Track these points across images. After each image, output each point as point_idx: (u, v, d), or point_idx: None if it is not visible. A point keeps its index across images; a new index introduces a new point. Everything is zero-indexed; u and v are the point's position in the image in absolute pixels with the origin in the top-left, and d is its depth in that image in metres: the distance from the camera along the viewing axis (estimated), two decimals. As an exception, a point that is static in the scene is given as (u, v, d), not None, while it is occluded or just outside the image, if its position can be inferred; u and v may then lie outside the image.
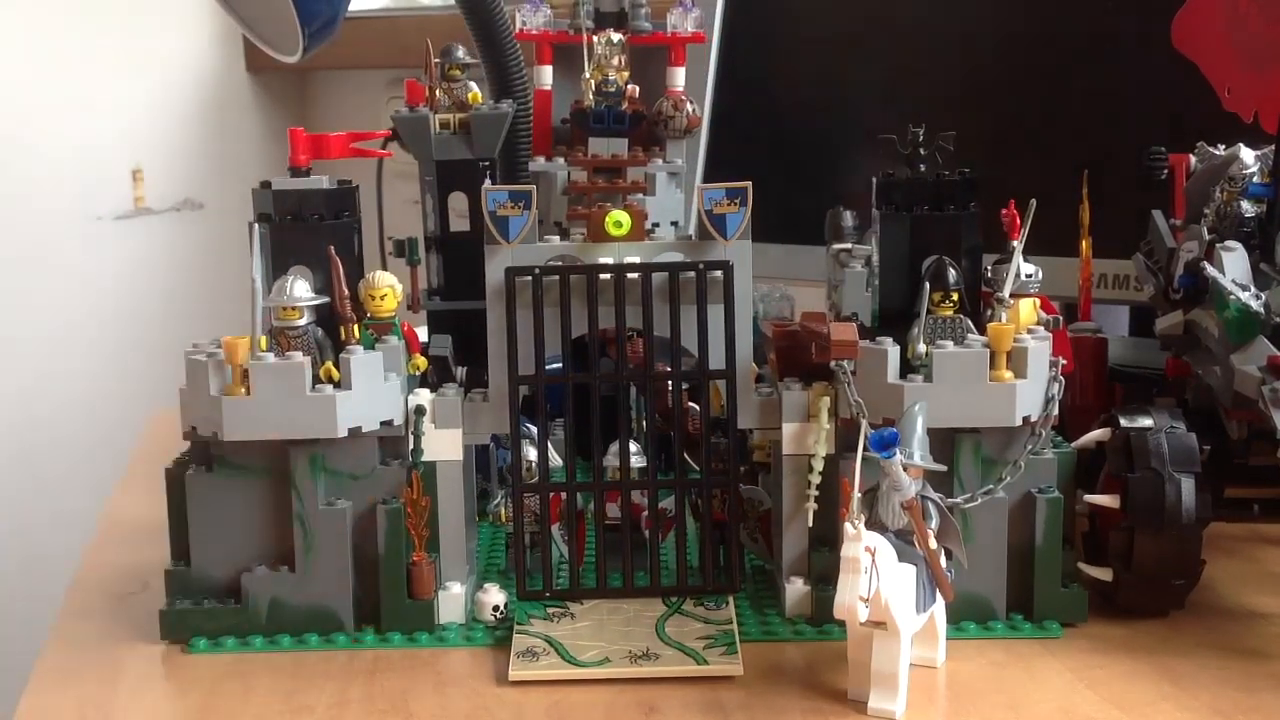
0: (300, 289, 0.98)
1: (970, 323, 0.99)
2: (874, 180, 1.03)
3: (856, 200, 1.35)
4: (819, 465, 0.98)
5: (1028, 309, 1.02)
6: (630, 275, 0.99)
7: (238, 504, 0.98)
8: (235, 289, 2.07)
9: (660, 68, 1.32)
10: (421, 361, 1.02)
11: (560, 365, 1.00)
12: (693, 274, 0.99)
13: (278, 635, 0.97)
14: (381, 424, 0.98)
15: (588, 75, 1.26)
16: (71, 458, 2.15)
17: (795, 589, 0.99)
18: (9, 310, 2.12)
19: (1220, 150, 1.11)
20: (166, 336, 2.23)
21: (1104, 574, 0.98)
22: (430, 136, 1.17)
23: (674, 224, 1.30)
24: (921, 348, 0.97)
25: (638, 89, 1.27)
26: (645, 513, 1.03)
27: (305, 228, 1.02)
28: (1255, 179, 1.07)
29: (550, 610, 0.99)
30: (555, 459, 1.05)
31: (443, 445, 0.99)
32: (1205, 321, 1.03)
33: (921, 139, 1.01)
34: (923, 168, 1.02)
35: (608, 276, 0.99)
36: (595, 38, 1.26)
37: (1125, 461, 0.96)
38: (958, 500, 0.95)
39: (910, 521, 0.87)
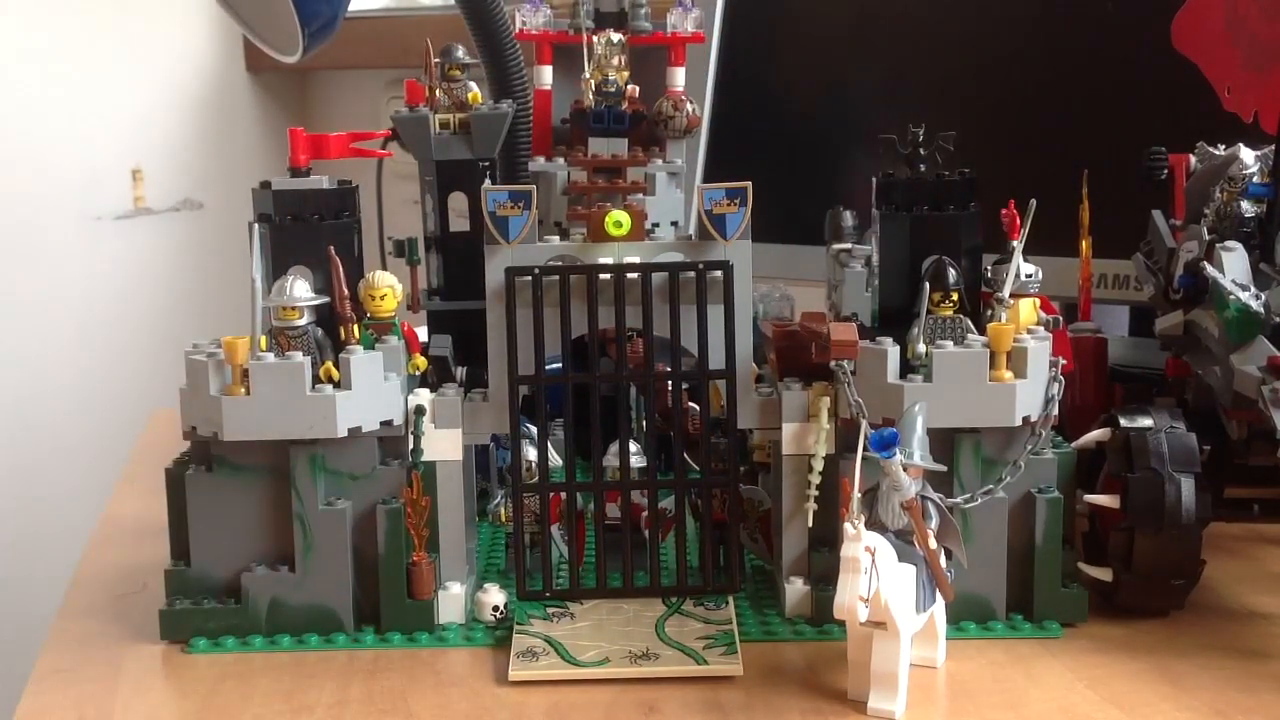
0: (300, 289, 0.98)
1: (970, 323, 0.99)
2: (874, 180, 1.03)
3: (856, 200, 1.36)
4: (819, 465, 0.98)
5: (1028, 309, 1.02)
6: (630, 275, 0.99)
7: (237, 504, 0.98)
8: (235, 289, 2.07)
9: (660, 68, 1.32)
10: (421, 361, 1.02)
11: (560, 365, 1.00)
12: (693, 274, 0.98)
13: (277, 635, 0.97)
14: (381, 424, 0.98)
15: (588, 75, 1.26)
16: (71, 457, 2.16)
17: (795, 589, 0.99)
18: (8, 310, 2.12)
19: (1219, 150, 1.11)
20: (166, 336, 2.24)
21: (1104, 574, 0.98)
22: (430, 136, 1.17)
23: (674, 224, 1.30)
24: (921, 348, 0.97)
25: (638, 89, 1.27)
26: (645, 513, 1.03)
27: (305, 228, 1.02)
28: (1255, 179, 1.07)
29: (550, 610, 0.99)
30: (555, 459, 1.05)
31: (443, 445, 0.99)
32: (1205, 321, 1.03)
33: (921, 139, 1.01)
34: (923, 168, 1.02)
35: (608, 276, 0.99)
36: (595, 38, 1.26)
37: (1125, 461, 0.96)
38: (957, 500, 0.95)
39: (910, 521, 0.87)
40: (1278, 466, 0.97)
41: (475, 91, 1.21)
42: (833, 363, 0.97)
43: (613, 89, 1.26)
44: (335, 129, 1.15)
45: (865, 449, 0.85)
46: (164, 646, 0.98)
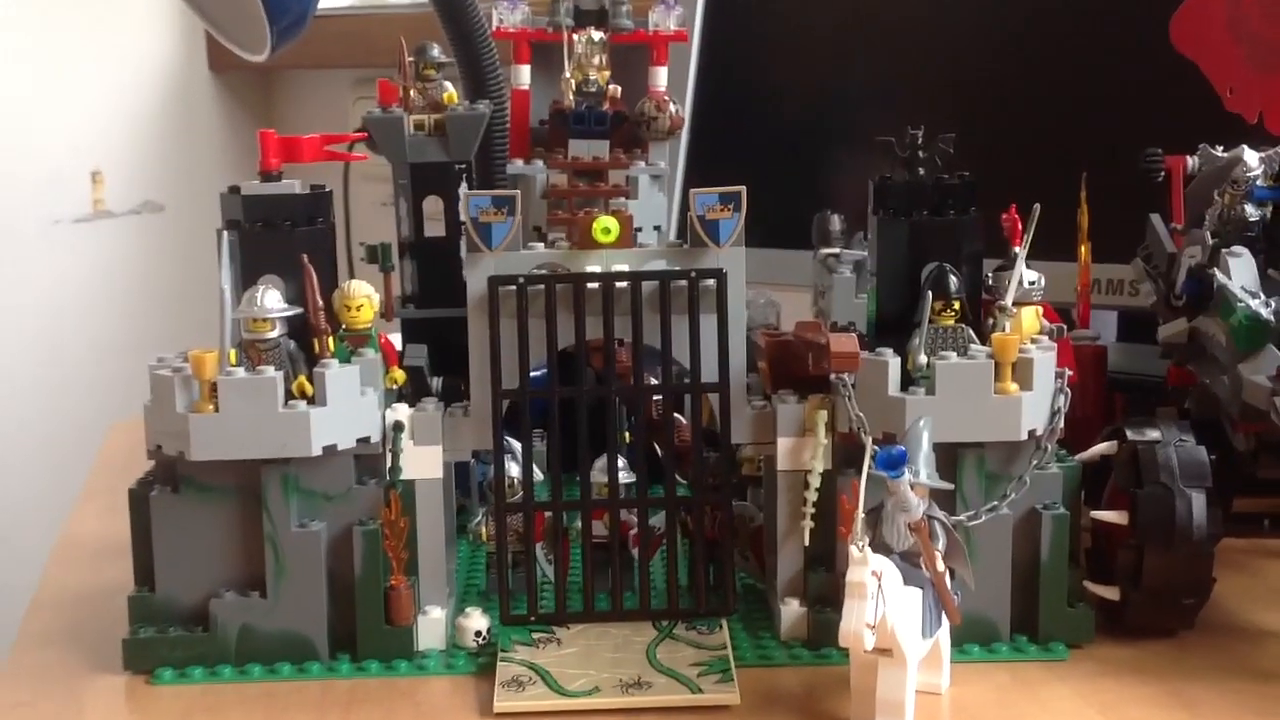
0: (272, 300, 0.94)
1: (972, 332, 0.95)
2: (870, 183, 0.99)
3: (843, 203, 1.32)
4: (816, 482, 0.94)
5: (1030, 318, 0.99)
6: (619, 284, 0.95)
7: (205, 526, 0.93)
8: (198, 294, 2.03)
9: (641, 67, 1.28)
10: (399, 375, 0.98)
11: (541, 374, 0.96)
12: (684, 283, 0.94)
13: (248, 665, 0.93)
14: (358, 441, 0.93)
15: (568, 75, 1.22)
16: (26, 473, 2.10)
17: (791, 611, 0.95)
18: (-37, 316, 2.07)
19: (1220, 152, 1.08)
20: (127, 344, 2.19)
21: (1111, 593, 0.95)
22: (404, 138, 1.13)
23: (656, 228, 1.27)
24: (923, 359, 0.93)
25: (620, 89, 1.23)
26: (633, 530, 0.99)
27: (277, 235, 0.97)
28: (1260, 182, 1.04)
29: (535, 635, 0.95)
30: (538, 474, 1.00)
31: (422, 463, 0.95)
32: (1211, 329, 1.00)
33: (920, 141, 0.98)
34: (921, 171, 0.98)
35: (596, 286, 0.95)
36: (575, 36, 1.22)
37: (1133, 476, 0.93)
38: (960, 517, 0.91)
39: (916, 543, 0.83)
40: (1288, 480, 0.94)
41: (451, 91, 1.17)
42: (833, 375, 0.93)
43: (594, 89, 1.22)
44: (301, 130, 1.11)
45: (871, 468, 0.81)
46: (127, 677, 0.93)
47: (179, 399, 0.91)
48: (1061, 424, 0.92)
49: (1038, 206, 0.95)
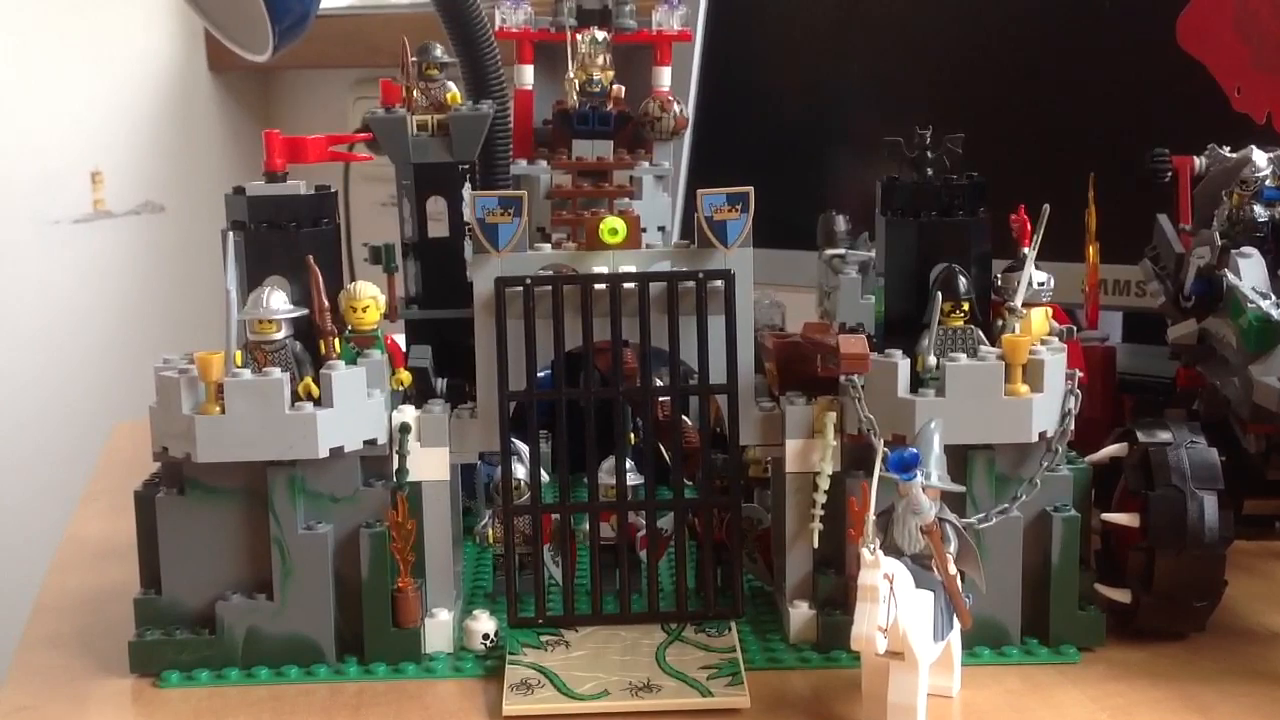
0: (277, 301, 0.93)
1: (981, 333, 0.94)
2: (878, 184, 0.99)
3: (848, 203, 1.32)
4: (824, 484, 0.93)
5: (1040, 319, 0.98)
6: (626, 285, 0.94)
7: (211, 528, 0.93)
8: (198, 294, 2.03)
9: (644, 67, 1.28)
10: (405, 376, 0.97)
11: (546, 375, 0.96)
12: (692, 284, 0.94)
13: (255, 667, 0.92)
14: (364, 443, 0.93)
15: (571, 75, 1.22)
16: (30, 474, 2.09)
17: (800, 614, 0.95)
18: (-37, 318, 2.06)
19: (1228, 152, 1.08)
20: (128, 344, 2.19)
21: (1122, 595, 0.94)
22: (408, 138, 1.12)
23: (661, 229, 1.26)
24: (932, 360, 0.93)
25: (623, 89, 1.23)
26: (641, 533, 0.99)
27: (282, 236, 0.97)
28: (1269, 182, 1.03)
29: (543, 638, 0.94)
30: (544, 476, 1.00)
31: (429, 465, 0.94)
32: (1222, 330, 0.99)
33: (928, 142, 0.97)
34: (929, 171, 0.97)
35: (603, 287, 0.94)
36: (578, 36, 1.22)
37: (1144, 478, 0.92)
38: (971, 520, 0.91)
39: (927, 545, 0.83)
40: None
41: (454, 91, 1.17)
42: (843, 377, 0.92)
43: (597, 89, 1.22)
44: (301, 130, 1.10)
45: (882, 470, 0.80)
46: (134, 680, 0.93)
47: (185, 400, 0.90)
48: (1072, 426, 0.92)
49: (1046, 207, 0.95)
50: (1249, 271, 0.98)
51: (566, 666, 0.90)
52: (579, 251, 0.97)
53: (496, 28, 1.27)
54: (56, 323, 2.18)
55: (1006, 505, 0.91)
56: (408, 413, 0.95)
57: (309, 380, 0.92)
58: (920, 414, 0.90)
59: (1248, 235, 1.02)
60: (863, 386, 0.92)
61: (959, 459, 0.91)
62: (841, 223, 1.28)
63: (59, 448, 2.06)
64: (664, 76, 1.27)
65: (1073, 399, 0.92)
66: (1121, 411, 1.15)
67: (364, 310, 0.96)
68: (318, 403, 0.91)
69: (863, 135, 1.50)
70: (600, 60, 1.22)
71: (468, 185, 1.14)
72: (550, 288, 0.94)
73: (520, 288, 0.94)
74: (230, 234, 0.96)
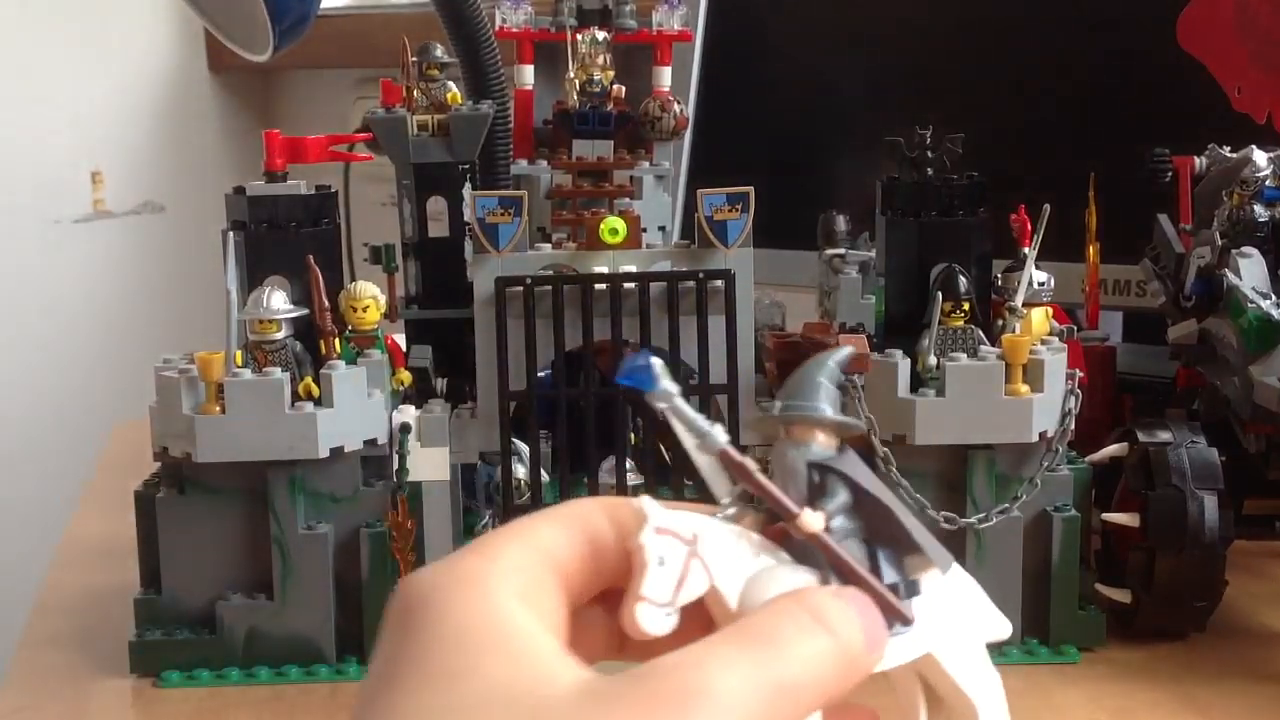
0: (278, 301, 0.93)
1: (981, 333, 0.95)
2: (878, 184, 0.99)
3: (848, 203, 1.32)
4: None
5: (1040, 319, 0.98)
6: (626, 285, 0.94)
7: (211, 528, 0.93)
8: (199, 295, 2.02)
9: (644, 67, 1.28)
10: (406, 376, 0.97)
11: (546, 375, 0.96)
12: (692, 284, 0.94)
13: (255, 667, 0.92)
14: (365, 443, 0.93)
15: (571, 75, 1.22)
16: (30, 473, 2.09)
17: (800, 613, 0.95)
18: (-37, 318, 2.06)
19: (1228, 152, 1.08)
20: (129, 344, 2.18)
21: (1122, 596, 0.94)
22: (408, 139, 1.12)
23: (661, 229, 1.26)
24: (932, 360, 0.93)
25: (623, 89, 1.23)
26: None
27: (282, 236, 0.97)
28: (1269, 182, 1.03)
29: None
30: (545, 475, 1.00)
31: (429, 464, 0.94)
32: (1222, 330, 0.99)
33: (928, 141, 0.97)
34: (930, 171, 0.97)
35: (603, 287, 0.94)
36: (579, 36, 1.21)
37: (1144, 478, 0.92)
38: (971, 520, 0.91)
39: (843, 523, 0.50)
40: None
41: (454, 91, 1.16)
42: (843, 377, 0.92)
43: (598, 89, 1.21)
44: (301, 130, 1.10)
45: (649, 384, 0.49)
46: (133, 680, 0.93)
47: (185, 400, 0.90)
48: (1072, 426, 0.92)
49: (1046, 207, 0.95)
50: (1249, 271, 0.98)
51: (567, 666, 0.90)
52: (579, 251, 0.97)
53: (496, 28, 1.27)
54: (56, 322, 2.18)
55: (1006, 505, 0.91)
56: (408, 413, 0.95)
57: (309, 380, 0.92)
58: (920, 414, 0.90)
59: (1248, 235, 1.02)
60: (863, 386, 0.92)
61: (959, 459, 0.92)
62: (842, 222, 1.28)
63: (59, 447, 2.06)
64: (664, 76, 1.27)
65: (1073, 399, 0.92)
66: (1121, 411, 1.14)
67: (364, 310, 0.96)
68: (318, 403, 0.91)
69: (863, 135, 1.50)
70: (600, 60, 1.22)
71: (468, 185, 1.14)
72: (550, 287, 0.94)
73: (520, 288, 0.94)
74: (230, 234, 0.96)
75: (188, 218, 2.30)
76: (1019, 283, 0.96)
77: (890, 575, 0.50)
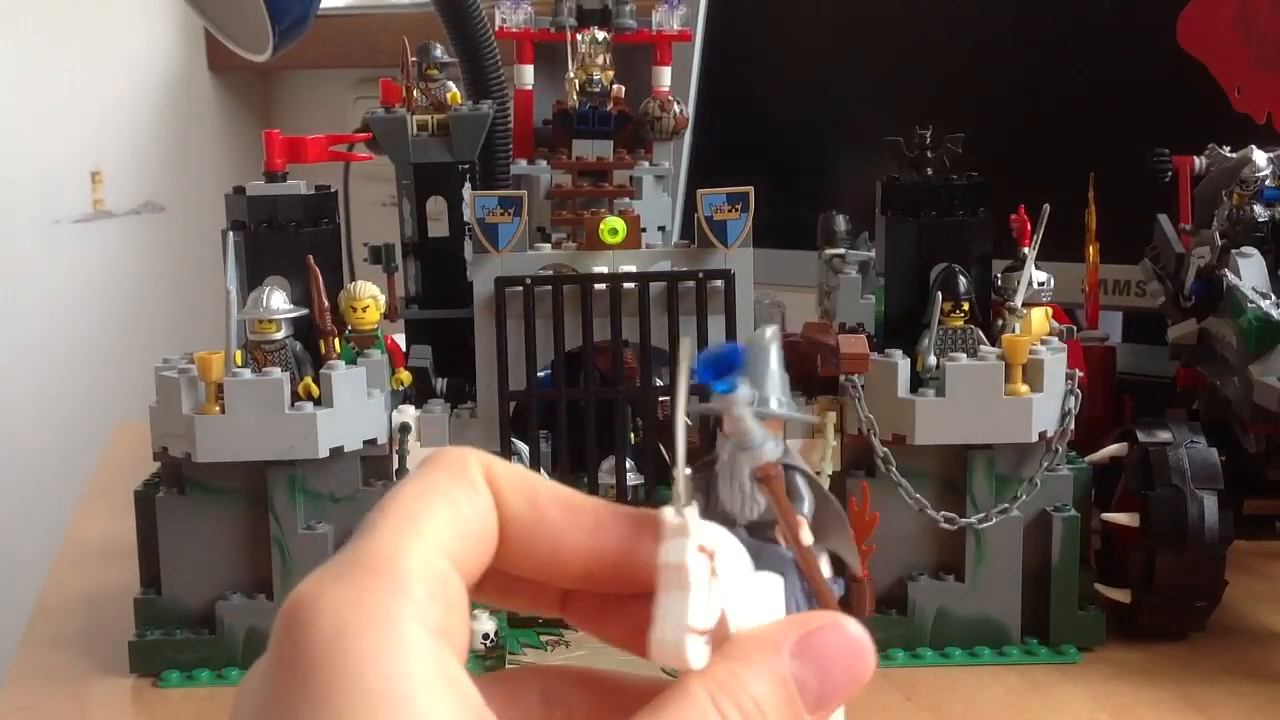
0: (277, 301, 0.93)
1: (981, 333, 0.95)
2: (879, 184, 0.99)
3: (848, 203, 1.32)
4: (824, 484, 0.93)
5: (1040, 319, 0.98)
6: (626, 285, 0.94)
7: (211, 528, 0.93)
8: (198, 295, 2.02)
9: (644, 67, 1.28)
10: (405, 376, 0.97)
11: (546, 374, 0.96)
12: (692, 284, 0.94)
13: (255, 667, 0.92)
14: (365, 443, 0.93)
15: (571, 75, 1.22)
16: (31, 473, 2.09)
17: (800, 613, 0.95)
18: (-37, 318, 2.06)
19: (1228, 152, 1.08)
20: (129, 345, 2.18)
21: (1122, 595, 0.94)
22: (408, 139, 1.12)
23: (661, 229, 1.26)
24: (932, 360, 0.93)
25: (623, 89, 1.23)
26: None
27: (282, 236, 0.97)
28: (1269, 182, 1.03)
29: (543, 638, 0.94)
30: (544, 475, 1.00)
31: (429, 465, 0.94)
32: (1222, 330, 0.99)
33: (928, 141, 0.97)
34: (930, 171, 0.97)
35: (603, 286, 0.94)
36: (578, 36, 1.21)
37: (1144, 478, 0.92)
38: (971, 520, 0.91)
39: (769, 506, 0.50)
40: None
41: (454, 91, 1.17)
42: (842, 376, 0.92)
43: (598, 89, 1.21)
44: (301, 130, 1.10)
45: (692, 379, 0.49)
46: (134, 680, 0.93)
47: (185, 400, 0.90)
48: (1072, 425, 0.92)
49: (1046, 207, 0.95)
50: (1249, 271, 0.98)
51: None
52: (579, 251, 0.97)
53: (496, 28, 1.27)
54: (56, 323, 2.18)
55: (1006, 505, 0.91)
56: (408, 413, 0.95)
57: (309, 380, 0.92)
58: (920, 414, 0.90)
59: (1248, 235, 1.02)
60: (863, 386, 0.92)
61: (959, 458, 0.92)
62: (841, 222, 1.28)
63: (59, 448, 2.06)
64: (664, 76, 1.26)
65: (1073, 399, 0.92)
66: (1121, 411, 1.14)
67: (364, 310, 0.96)
68: (318, 403, 0.91)
69: (863, 135, 1.50)
70: (600, 60, 1.22)
71: (468, 185, 1.14)
72: (550, 287, 0.94)
73: (520, 288, 0.94)
74: (230, 234, 0.96)
75: (188, 218, 2.30)
76: (1019, 283, 0.96)
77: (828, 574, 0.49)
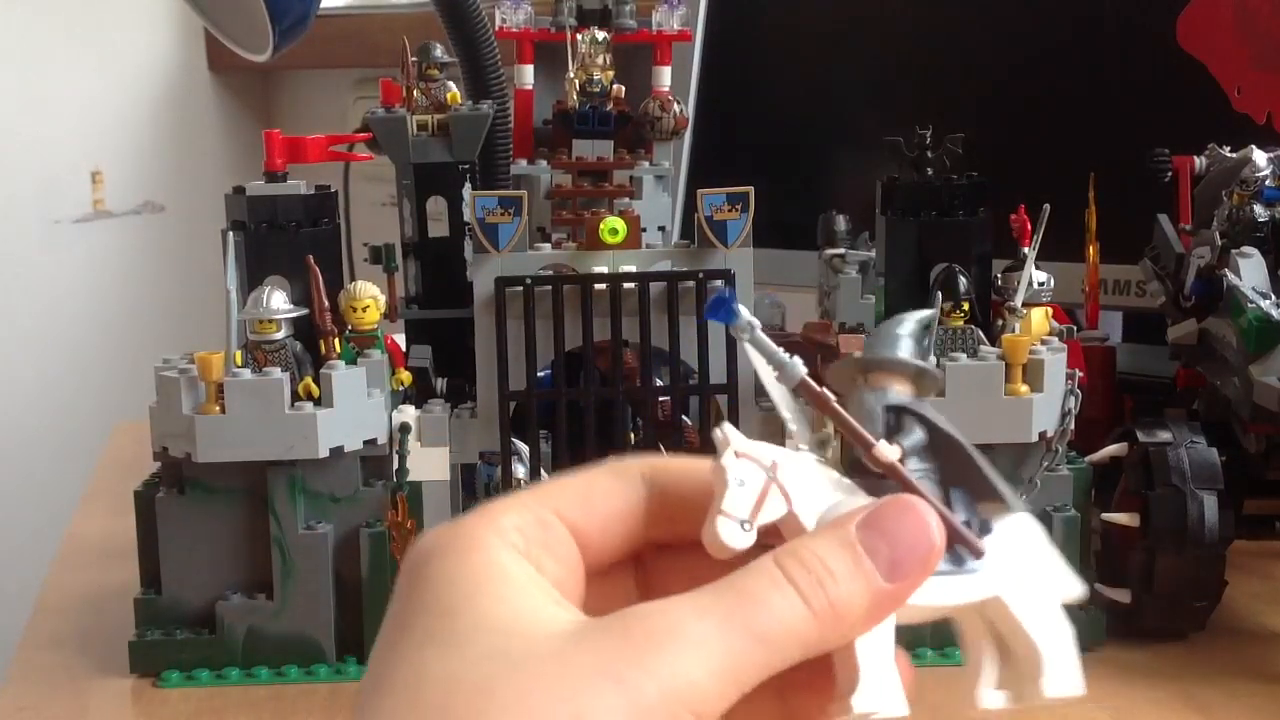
0: (277, 301, 0.93)
1: (981, 333, 0.95)
2: (879, 184, 0.99)
3: (849, 203, 1.32)
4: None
5: (1040, 319, 0.98)
6: (626, 285, 0.94)
7: (211, 528, 0.93)
8: (198, 295, 2.02)
9: (644, 67, 1.28)
10: (405, 376, 0.97)
11: (546, 374, 0.96)
12: (692, 284, 0.94)
13: (255, 667, 0.92)
14: (365, 443, 0.93)
15: (571, 75, 1.22)
16: (31, 472, 2.09)
17: (800, 613, 0.95)
18: (-37, 318, 2.06)
19: (1228, 152, 1.08)
20: (129, 344, 2.18)
21: (1122, 595, 0.94)
22: (408, 139, 1.12)
23: (661, 229, 1.26)
24: (932, 360, 0.93)
25: (623, 89, 1.23)
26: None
27: (282, 236, 0.97)
28: (1269, 182, 1.03)
29: (543, 638, 0.94)
30: (544, 476, 1.00)
31: (429, 465, 0.94)
32: (1222, 330, 0.99)
33: (929, 141, 0.97)
34: (930, 171, 0.97)
35: (603, 287, 0.94)
36: (578, 36, 1.21)
37: (1144, 478, 0.92)
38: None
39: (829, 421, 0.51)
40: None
41: (454, 91, 1.17)
42: (842, 377, 0.92)
43: (598, 89, 1.21)
44: (301, 130, 1.10)
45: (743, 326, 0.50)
46: (134, 680, 0.93)
47: (185, 400, 0.90)
48: (1072, 425, 0.92)
49: (1046, 207, 0.95)
50: (1249, 271, 0.98)
51: (566, 666, 0.90)
52: (579, 251, 0.97)
53: (496, 28, 1.27)
54: (56, 323, 2.18)
55: (1006, 505, 0.91)
56: (408, 413, 0.95)
57: (309, 380, 0.92)
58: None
59: (1248, 235, 1.02)
60: (863, 386, 0.92)
61: (959, 459, 0.92)
62: (842, 223, 1.28)
63: (59, 447, 2.06)
64: (664, 76, 1.26)
65: (1073, 399, 0.92)
66: (1121, 411, 1.15)
67: (364, 310, 0.96)
68: (318, 403, 0.91)
69: (863, 135, 1.50)
70: (600, 60, 1.22)
71: (468, 185, 1.14)
72: (550, 288, 0.94)
73: (520, 288, 0.94)
74: (230, 234, 0.96)
75: (188, 218, 2.30)
76: (1019, 283, 0.96)
77: (963, 515, 0.49)
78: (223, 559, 0.93)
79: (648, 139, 1.23)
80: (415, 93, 1.14)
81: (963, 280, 0.94)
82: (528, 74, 1.27)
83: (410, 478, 0.94)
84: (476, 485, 1.12)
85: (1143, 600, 0.93)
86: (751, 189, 0.94)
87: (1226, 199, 1.04)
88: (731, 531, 0.47)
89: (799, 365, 0.50)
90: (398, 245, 1.14)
